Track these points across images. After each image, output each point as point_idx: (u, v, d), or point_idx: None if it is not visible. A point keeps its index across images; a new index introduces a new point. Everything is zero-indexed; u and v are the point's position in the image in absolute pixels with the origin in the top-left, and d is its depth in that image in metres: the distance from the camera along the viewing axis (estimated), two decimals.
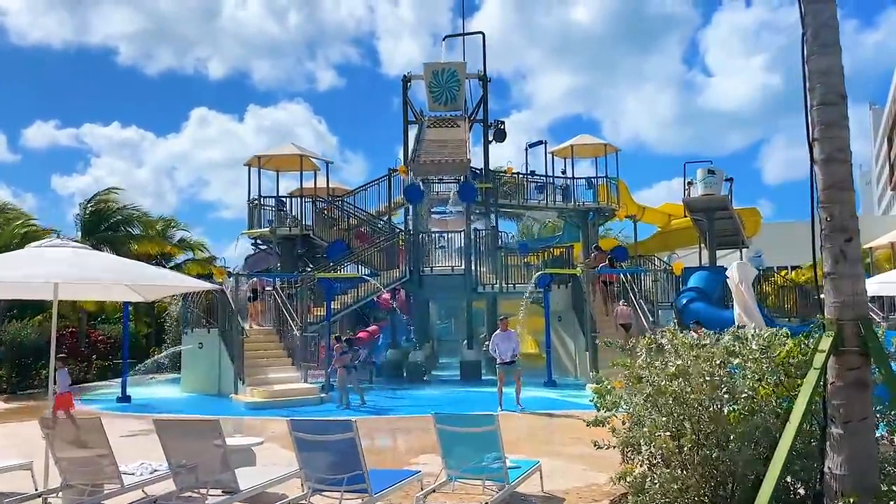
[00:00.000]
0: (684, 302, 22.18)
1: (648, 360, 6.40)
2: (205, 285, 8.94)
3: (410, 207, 22.71)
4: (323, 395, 16.44)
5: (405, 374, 21.45)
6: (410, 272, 21.66)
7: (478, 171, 25.25)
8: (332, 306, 20.70)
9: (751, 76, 76.89)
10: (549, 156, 29.99)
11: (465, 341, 22.55)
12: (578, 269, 19.93)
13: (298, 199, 24.71)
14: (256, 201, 24.75)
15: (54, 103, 72.54)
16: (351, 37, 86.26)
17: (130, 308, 29.85)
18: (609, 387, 6.77)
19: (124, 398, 17.16)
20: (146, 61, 78.23)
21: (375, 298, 29.56)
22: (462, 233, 21.93)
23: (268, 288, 19.60)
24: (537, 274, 19.68)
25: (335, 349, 16.52)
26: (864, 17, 73.40)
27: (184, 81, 75.73)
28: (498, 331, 15.26)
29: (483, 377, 21.58)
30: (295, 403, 15.71)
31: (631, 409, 6.36)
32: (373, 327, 26.42)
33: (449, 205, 24.43)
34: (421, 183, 22.21)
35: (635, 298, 19.47)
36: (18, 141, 66.96)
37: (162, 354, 20.45)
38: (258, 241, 25.10)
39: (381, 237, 22.91)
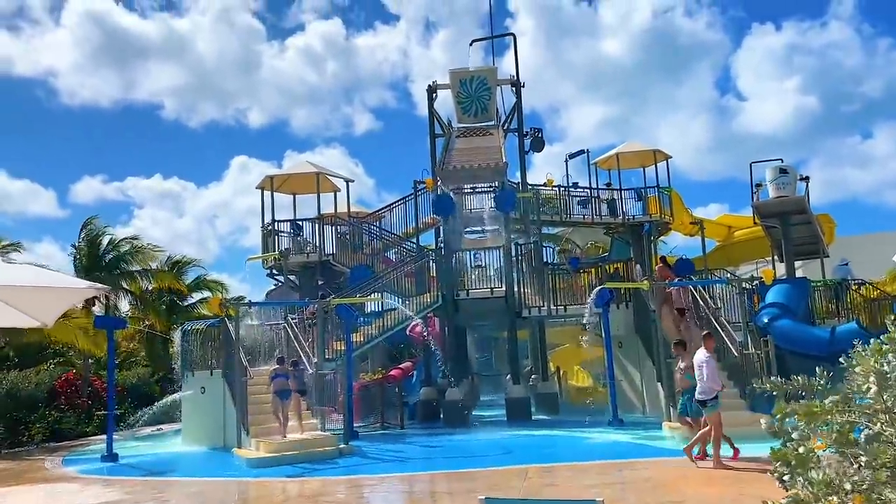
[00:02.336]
0: (766, 320, 18.87)
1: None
2: (82, 286, 6.14)
3: (441, 224, 19.88)
4: (342, 445, 13.51)
5: (442, 416, 18.41)
6: (443, 297, 18.76)
7: (515, 184, 22.46)
8: (356, 339, 17.88)
9: (785, 99, 73.70)
10: (593, 167, 27.16)
11: (510, 375, 19.49)
12: (645, 282, 16.83)
13: (317, 222, 22.07)
14: (270, 227, 22.21)
15: (101, 159, 74.08)
16: (386, 81, 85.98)
17: (139, 347, 27.79)
18: (806, 450, 3.71)
19: (110, 456, 14.43)
20: (189, 114, 79.02)
21: (408, 331, 26.94)
22: (501, 249, 19.01)
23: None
24: (596, 289, 16.61)
25: (273, 371, 14.24)
26: None
27: (225, 132, 76.25)
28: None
29: (534, 417, 18.50)
30: (309, 458, 12.83)
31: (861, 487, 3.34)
32: (406, 364, 23.69)
33: (484, 219, 21.58)
34: (452, 193, 19.42)
35: (713, 317, 16.27)
36: (67, 197, 67.97)
37: (159, 403, 17.70)
38: (273, 272, 22.46)
39: (410, 259, 20.10)
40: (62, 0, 77.05)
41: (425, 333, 17.51)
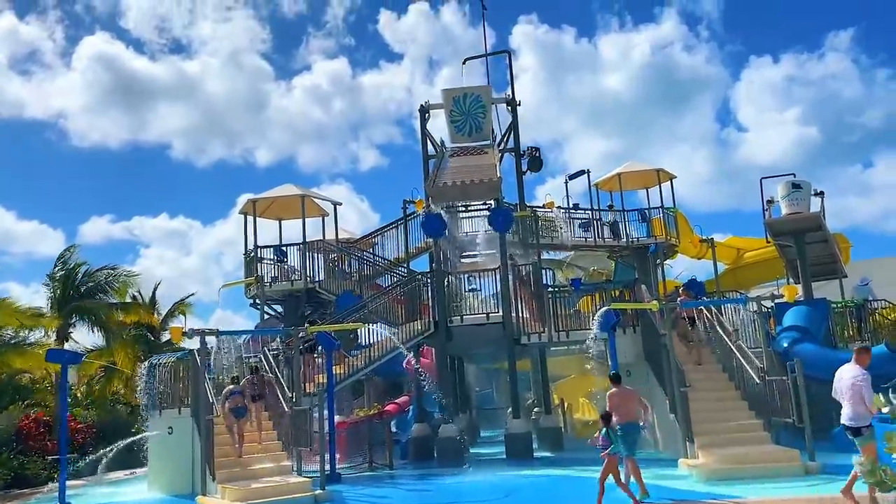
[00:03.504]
0: (786, 345, 17.43)
1: None
2: None
3: (433, 247, 18.52)
4: (318, 491, 11.99)
5: (435, 455, 16.86)
6: (436, 324, 17.33)
7: (512, 207, 21.19)
8: (340, 371, 16.45)
9: (786, 129, 73.21)
10: (594, 189, 25.93)
11: (510, 409, 17.98)
12: (654, 303, 15.43)
13: (301, 247, 20.75)
14: (252, 253, 20.90)
15: (109, 199, 74.02)
16: (392, 118, 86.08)
17: (118, 383, 26.09)
18: None
19: None
20: (197, 154, 79.30)
21: (404, 363, 25.43)
22: (497, 272, 17.63)
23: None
24: (602, 310, 15.18)
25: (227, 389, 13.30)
26: None
27: (233, 171, 76.35)
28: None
29: (535, 454, 16.95)
30: None
31: None
32: (403, 398, 22.17)
33: (478, 242, 20.29)
34: (443, 212, 18.10)
35: (730, 341, 14.82)
36: (76, 237, 67.65)
37: (120, 443, 16.12)
38: (256, 301, 21.08)
39: (398, 283, 18.72)
40: (73, 44, 77.37)
41: (414, 363, 16.02)
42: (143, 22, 76.22)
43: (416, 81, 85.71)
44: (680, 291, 17.34)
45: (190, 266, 76.24)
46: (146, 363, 15.70)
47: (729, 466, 11.97)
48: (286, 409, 13.43)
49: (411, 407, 21.56)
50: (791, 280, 22.29)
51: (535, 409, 20.75)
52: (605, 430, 9.96)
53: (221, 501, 11.79)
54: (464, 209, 20.73)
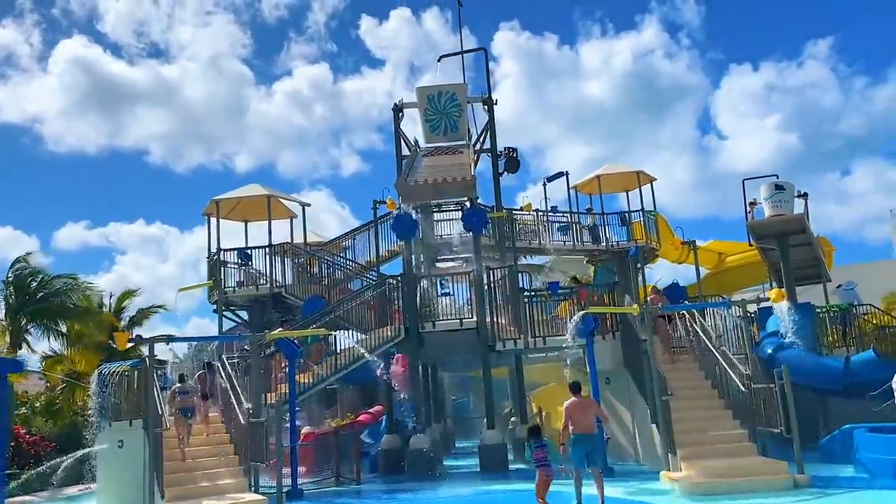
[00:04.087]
0: (770, 351, 16.83)
1: None
2: None
3: (404, 249, 17.70)
4: None
5: (406, 467, 16.01)
6: (406, 330, 16.51)
7: (488, 208, 20.46)
8: (304, 381, 15.59)
9: (766, 137, 73.39)
10: (573, 192, 25.29)
11: (485, 419, 17.17)
12: (634, 307, 14.73)
13: (267, 250, 19.84)
14: (216, 256, 19.96)
15: (85, 205, 72.24)
16: (374, 124, 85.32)
17: (83, 394, 24.85)
18: None
19: None
20: (176, 159, 78.06)
21: (378, 372, 24.53)
22: (471, 275, 16.85)
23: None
24: (579, 314, 14.45)
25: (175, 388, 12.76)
26: (873, 73, 70.44)
27: (212, 176, 75.19)
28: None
29: (511, 466, 16.17)
30: None
31: None
32: (377, 407, 21.38)
33: (454, 245, 19.50)
34: (415, 213, 17.32)
35: (714, 348, 14.14)
36: (50, 243, 66.12)
37: (66, 458, 15.07)
38: (220, 307, 20.12)
39: (367, 287, 17.87)
40: (50, 48, 75.82)
41: (382, 371, 15.18)
42: (121, 26, 74.85)
43: (398, 87, 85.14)
44: (650, 292, 16.72)
45: (166, 273, 74.86)
46: (96, 372, 14.68)
47: (713, 480, 11.25)
48: (242, 421, 12.52)
49: (385, 417, 20.74)
50: (774, 284, 21.74)
51: (512, 419, 19.99)
52: (530, 444, 9.69)
53: None
54: (437, 210, 19.92)
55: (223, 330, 20.66)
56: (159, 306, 26.49)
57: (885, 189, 71.39)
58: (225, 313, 20.34)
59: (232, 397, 13.13)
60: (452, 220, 22.05)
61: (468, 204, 17.79)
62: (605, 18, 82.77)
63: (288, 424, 15.09)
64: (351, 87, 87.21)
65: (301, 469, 16.95)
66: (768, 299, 15.87)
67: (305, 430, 20.07)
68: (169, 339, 12.97)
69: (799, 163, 75.88)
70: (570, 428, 10.36)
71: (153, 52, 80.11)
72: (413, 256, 17.77)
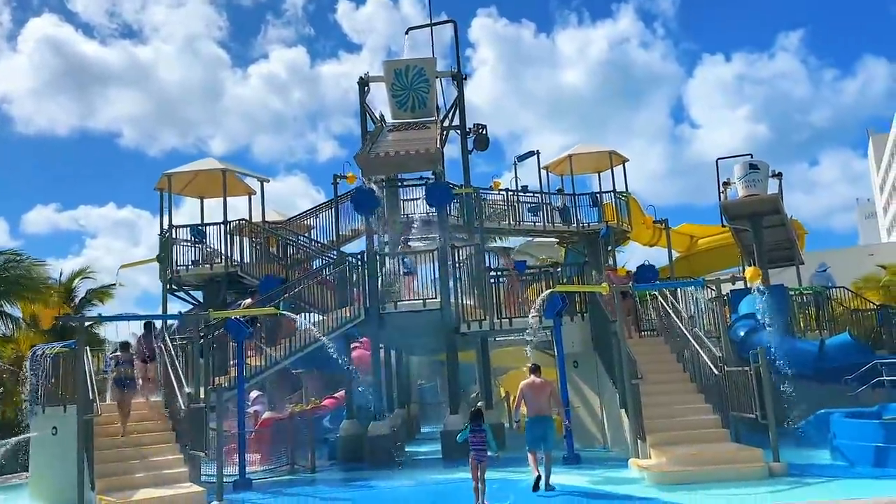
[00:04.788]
0: (742, 333, 16.28)
1: None
2: None
3: (366, 226, 16.79)
4: (213, 503, 10.25)
5: (365, 454, 15.21)
6: (366, 310, 15.66)
7: (455, 186, 19.64)
8: (256, 363, 14.70)
9: (737, 127, 73.76)
10: (544, 172, 24.60)
11: (449, 404, 16.43)
12: (604, 285, 14.06)
13: (222, 227, 18.80)
14: (167, 234, 18.88)
15: (55, 187, 70.01)
16: (351, 109, 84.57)
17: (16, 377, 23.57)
18: None
19: None
20: (149, 142, 76.15)
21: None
22: (435, 254, 16.03)
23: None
24: (545, 293, 13.73)
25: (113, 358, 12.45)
26: (843, 66, 71.07)
27: (186, 159, 73.54)
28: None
29: None
30: None
31: None
32: (342, 392, 20.57)
33: (420, 224, 18.65)
34: (376, 187, 16.42)
35: (686, 329, 13.50)
36: (19, 226, 63.96)
37: None
38: (173, 287, 19.06)
39: (326, 265, 16.94)
40: (20, 26, 73.13)
41: (335, 353, 14.32)
42: (93, 5, 72.61)
43: (375, 71, 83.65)
44: (605, 269, 16.16)
45: (138, 257, 73.18)
46: (29, 353, 13.67)
47: (685, 468, 10.63)
48: (182, 406, 11.62)
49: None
50: (747, 267, 21.24)
51: (479, 404, 19.29)
52: (469, 426, 9.45)
53: None
54: (401, 184, 19.00)
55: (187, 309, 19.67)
56: (110, 285, 25.23)
57: (851, 179, 72.33)
58: (178, 294, 19.31)
59: (174, 381, 12.17)
60: (419, 198, 21.22)
61: (432, 178, 16.92)
62: (582, 7, 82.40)
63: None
64: (328, 71, 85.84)
65: (256, 457, 16.16)
66: (743, 279, 15.26)
67: (266, 415, 19.23)
68: (100, 318, 12.00)
69: (768, 153, 76.53)
70: (525, 410, 10.44)
71: (126, 33, 77.89)
72: (376, 234, 16.87)
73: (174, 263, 18.60)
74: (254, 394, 23.34)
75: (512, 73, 76.62)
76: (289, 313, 14.33)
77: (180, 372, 12.26)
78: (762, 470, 10.33)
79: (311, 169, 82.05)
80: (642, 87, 73.96)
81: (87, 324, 17.96)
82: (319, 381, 22.87)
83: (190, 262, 19.01)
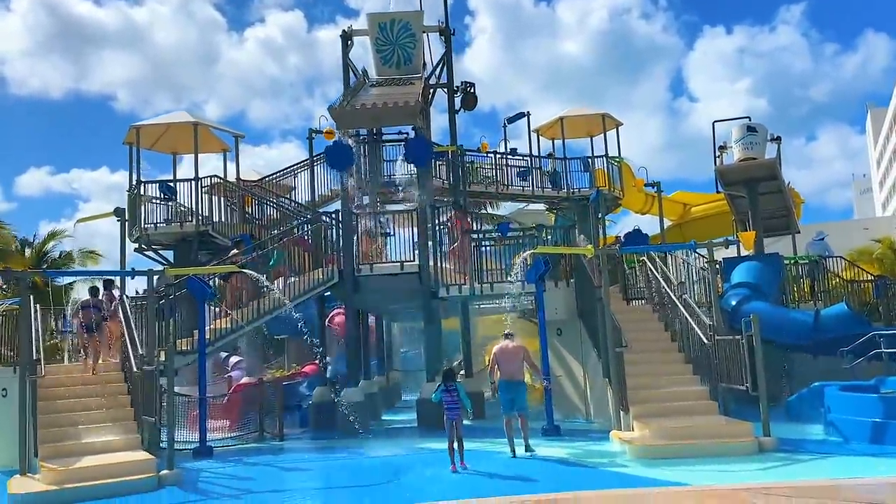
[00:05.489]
0: (734, 302, 15.61)
1: None
2: None
3: (341, 182, 15.89)
4: (163, 472, 9.54)
5: (337, 422, 14.53)
6: (341, 273, 14.87)
7: (439, 145, 18.73)
8: (219, 326, 13.93)
9: (736, 100, 72.37)
10: (535, 136, 23.67)
11: (427, 371, 15.72)
12: (589, 247, 13.30)
13: (193, 184, 17.88)
14: (136, 189, 17.96)
15: (48, 150, 68.48)
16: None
17: None
18: None
19: None
20: (143, 106, 74.58)
21: (327, 322, 22.86)
22: (415, 213, 15.19)
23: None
24: (526, 253, 12.96)
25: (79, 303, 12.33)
26: (844, 40, 69.73)
27: None
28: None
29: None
30: (109, 492, 8.89)
31: None
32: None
33: (400, 183, 17.72)
34: (352, 142, 15.51)
35: (675, 297, 12.76)
36: (12, 188, 62.68)
37: None
38: (142, 246, 18.17)
39: (300, 224, 16.06)
40: None
41: (301, 318, 13.55)
42: None
43: (360, 25, 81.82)
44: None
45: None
46: None
47: (668, 442, 9.94)
48: (134, 369, 10.86)
49: (329, 368, 19.29)
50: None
51: (461, 373, 18.64)
52: (442, 386, 9.60)
53: (34, 485, 9.24)
54: (376, 138, 17.99)
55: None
56: (91, 251, 24.29)
57: (848, 155, 71.49)
58: (147, 253, 18.43)
59: (128, 342, 11.39)
60: (401, 159, 20.29)
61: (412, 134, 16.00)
62: None
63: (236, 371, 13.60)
64: (325, 36, 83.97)
65: (226, 423, 15.51)
66: (737, 242, 14.50)
67: (244, 380, 18.56)
68: (44, 272, 11.14)
69: (769, 126, 75.33)
70: (498, 374, 10.39)
71: None
72: (353, 192, 15.99)
73: (143, 221, 17.71)
74: (234, 359, 22.71)
75: (511, 44, 75.19)
76: (250, 272, 13.45)
77: (135, 333, 11.45)
78: (751, 445, 9.66)
79: (306, 135, 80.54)
80: (642, 58, 72.84)
81: (64, 282, 17.21)
82: (303, 348, 22.25)
83: (162, 220, 18.15)
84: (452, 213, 15.16)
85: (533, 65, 75.64)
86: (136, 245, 18.19)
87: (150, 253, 18.37)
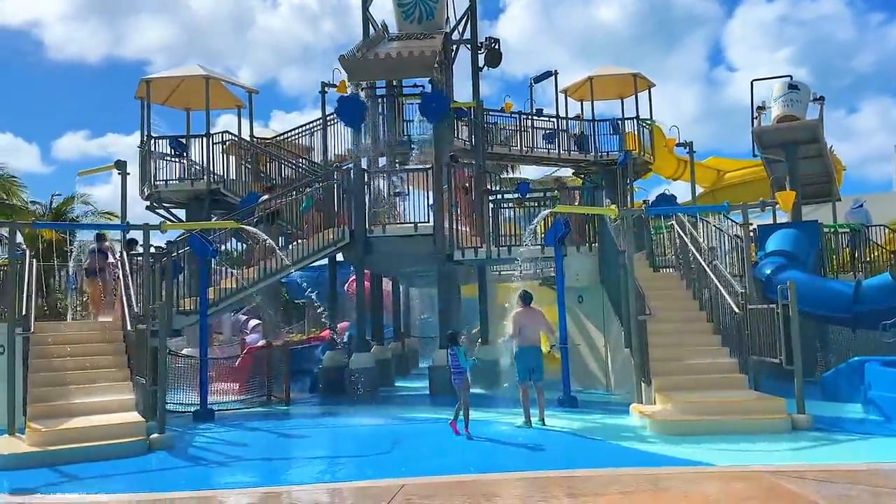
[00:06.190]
0: (768, 271, 14.65)
1: None
2: None
3: (353, 138, 15.14)
4: (154, 435, 9.06)
5: (346, 388, 14.00)
6: (352, 233, 14.22)
7: (464, 109, 17.84)
8: (225, 286, 13.41)
9: (776, 70, 69.35)
10: (562, 96, 22.65)
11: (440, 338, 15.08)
12: (613, 207, 12.47)
13: (204, 140, 17.29)
14: (146, 145, 17.44)
15: (85, 114, 68.91)
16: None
17: None
18: None
19: None
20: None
21: (345, 287, 22.35)
22: (430, 171, 14.43)
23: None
24: (543, 213, 12.17)
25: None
26: (890, 9, 66.08)
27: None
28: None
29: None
30: (96, 454, 8.44)
31: None
32: (343, 323, 19.50)
33: (412, 140, 16.90)
34: (363, 94, 14.74)
35: (703, 260, 11.90)
36: (50, 152, 63.31)
37: None
38: (153, 204, 17.70)
39: (308, 181, 15.35)
40: None
41: (301, 280, 12.95)
42: None
43: None
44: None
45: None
46: None
47: (693, 418, 9.20)
48: (129, 328, 10.38)
49: (348, 334, 18.83)
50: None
51: (479, 340, 18.02)
52: (452, 350, 9.35)
53: (17, 445, 8.83)
54: (386, 91, 17.13)
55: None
56: (107, 213, 23.90)
57: (890, 128, 68.65)
58: (158, 211, 17.96)
59: (124, 300, 10.90)
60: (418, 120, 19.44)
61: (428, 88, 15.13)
62: None
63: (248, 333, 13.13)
64: (359, 2, 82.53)
65: (234, 386, 15.11)
66: (776, 203, 13.52)
67: (260, 343, 18.18)
68: (33, 224, 10.66)
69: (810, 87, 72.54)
70: (517, 340, 9.87)
71: None
72: (365, 150, 15.27)
73: (153, 178, 17.22)
74: (252, 322, 22.36)
75: (545, 10, 72.95)
76: (251, 227, 12.83)
77: (131, 290, 10.95)
78: (784, 423, 8.88)
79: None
80: (680, 27, 70.12)
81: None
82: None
83: (175, 178, 17.65)
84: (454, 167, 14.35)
85: (567, 32, 73.61)
86: (148, 203, 17.77)
87: (161, 211, 17.93)
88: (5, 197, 18.99)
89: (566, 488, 6.25)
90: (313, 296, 12.73)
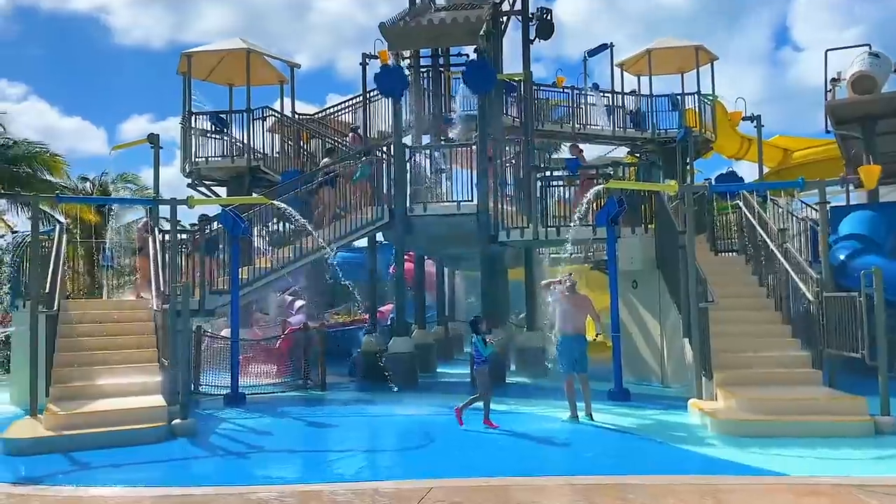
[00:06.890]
0: (843, 257, 13.42)
1: None
2: None
3: (392, 112, 14.35)
4: (176, 421, 8.57)
5: (384, 374, 13.39)
6: (391, 212, 13.53)
7: (514, 83, 16.92)
8: (260, 266, 12.90)
9: (844, 50, 65.12)
10: (618, 70, 21.51)
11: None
12: (672, 183, 11.47)
13: (244, 116, 16.83)
14: (187, 121, 17.07)
15: (148, 98, 70.90)
16: None
17: None
18: None
19: None
20: None
21: (391, 269, 21.83)
22: (474, 147, 13.61)
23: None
24: (594, 189, 11.23)
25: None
26: None
27: None
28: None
29: (510, 379, 13.54)
30: (116, 440, 8.00)
31: None
32: (387, 306, 18.95)
33: (454, 115, 16.03)
34: (405, 64, 13.97)
35: (777, 247, 10.80)
36: (116, 135, 65.49)
37: None
38: (194, 181, 17.35)
39: (346, 158, 14.68)
40: None
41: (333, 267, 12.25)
42: None
43: None
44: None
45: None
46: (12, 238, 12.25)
47: (761, 417, 8.24)
48: (155, 308, 9.93)
49: (391, 316, 18.28)
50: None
51: (522, 328, 17.23)
52: (474, 338, 8.98)
53: (33, 430, 8.45)
54: (441, 59, 16.30)
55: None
56: (149, 190, 23.80)
57: None
58: (199, 189, 17.63)
59: (152, 279, 10.46)
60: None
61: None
62: None
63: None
64: None
65: (272, 369, 14.69)
66: (858, 179, 12.29)
67: (304, 323, 17.81)
68: (57, 196, 10.26)
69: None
70: (560, 328, 9.24)
71: None
72: (409, 124, 14.55)
73: (193, 155, 16.86)
74: (299, 302, 21.98)
75: None
76: (281, 204, 12.21)
77: (160, 269, 10.50)
78: (866, 426, 7.85)
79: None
80: (744, 6, 67.07)
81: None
82: (366, 292, 21.40)
83: (216, 155, 17.26)
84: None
85: (625, 10, 71.30)
86: (189, 180, 17.45)
87: (202, 189, 17.60)
88: (50, 175, 18.96)
89: (612, 498, 5.45)
90: (342, 277, 12.04)
